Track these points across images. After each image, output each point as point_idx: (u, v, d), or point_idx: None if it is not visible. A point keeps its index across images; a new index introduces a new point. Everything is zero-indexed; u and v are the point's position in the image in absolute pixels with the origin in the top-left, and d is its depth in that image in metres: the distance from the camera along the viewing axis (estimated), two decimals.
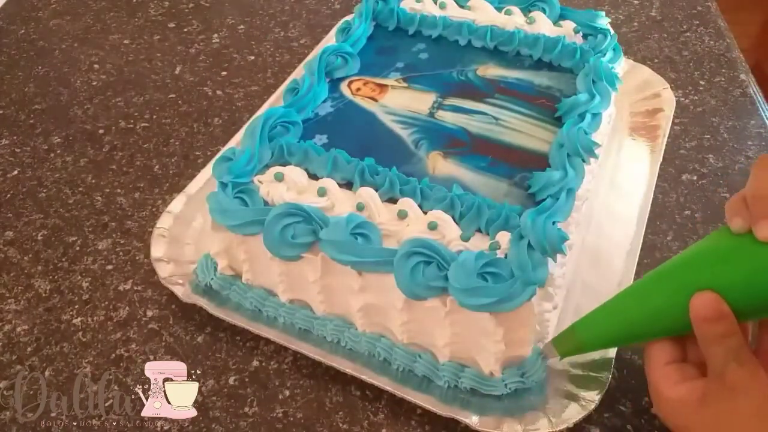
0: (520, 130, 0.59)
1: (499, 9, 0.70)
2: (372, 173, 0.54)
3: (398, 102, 0.63)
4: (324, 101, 0.63)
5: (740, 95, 0.79)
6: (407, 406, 0.51)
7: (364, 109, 0.62)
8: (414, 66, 0.66)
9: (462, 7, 0.72)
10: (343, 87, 0.64)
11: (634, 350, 0.54)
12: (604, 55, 0.63)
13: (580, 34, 0.67)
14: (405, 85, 0.64)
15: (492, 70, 0.66)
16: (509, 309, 0.46)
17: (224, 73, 0.83)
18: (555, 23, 0.68)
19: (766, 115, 0.76)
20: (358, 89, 0.64)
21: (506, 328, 0.47)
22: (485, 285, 0.45)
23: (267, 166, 0.55)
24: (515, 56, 0.67)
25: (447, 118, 0.61)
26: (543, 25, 0.68)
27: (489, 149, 0.57)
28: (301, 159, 0.56)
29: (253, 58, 0.84)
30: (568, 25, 0.68)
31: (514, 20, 0.69)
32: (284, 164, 0.56)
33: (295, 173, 0.54)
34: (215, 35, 0.89)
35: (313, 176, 0.55)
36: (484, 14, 0.70)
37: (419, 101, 0.62)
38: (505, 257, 0.47)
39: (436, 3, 0.72)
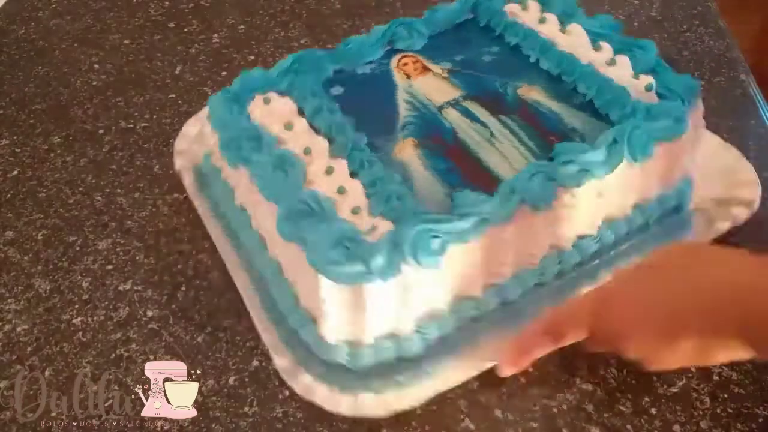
0: (505, 155, 0.57)
1: (593, 41, 0.64)
2: (338, 129, 0.58)
3: (424, 87, 0.63)
4: (369, 62, 0.66)
5: (740, 95, 0.78)
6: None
7: (392, 81, 0.64)
8: (469, 63, 0.66)
9: (562, 27, 0.66)
10: (396, 57, 0.66)
11: None
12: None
13: (654, 92, 0.60)
14: (445, 75, 0.65)
15: (533, 93, 0.62)
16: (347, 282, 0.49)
17: (224, 73, 0.83)
18: (636, 75, 0.61)
19: (766, 115, 0.76)
20: (405, 64, 0.66)
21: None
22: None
23: (267, 90, 0.62)
24: (571, 89, 0.62)
25: (450, 116, 0.61)
26: (623, 70, 0.61)
27: (459, 157, 0.57)
28: (299, 95, 0.61)
29: (253, 58, 0.84)
30: (647, 79, 0.60)
31: (597, 57, 0.63)
32: (283, 94, 0.62)
33: (284, 103, 0.60)
34: (215, 35, 0.89)
35: (302, 112, 0.60)
36: (572, 41, 0.65)
37: (441, 93, 0.63)
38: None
39: (539, 17, 0.68)
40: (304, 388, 0.51)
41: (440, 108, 0.61)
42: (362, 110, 0.60)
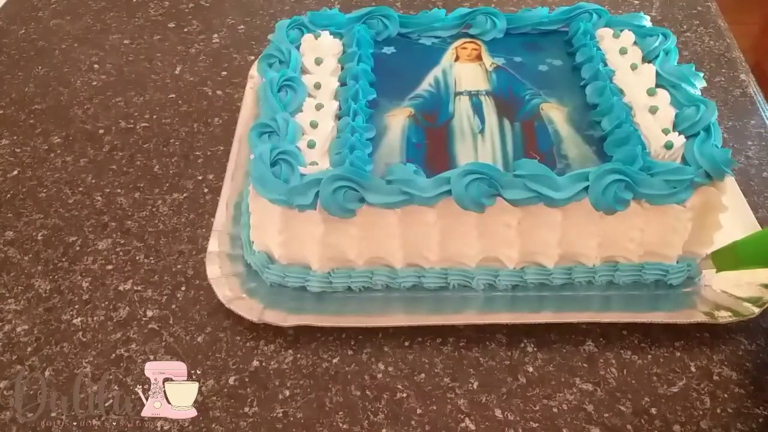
0: (478, 152, 0.57)
1: (658, 85, 0.60)
2: (353, 77, 0.61)
3: (461, 73, 0.65)
4: (437, 36, 0.69)
5: (740, 95, 0.79)
6: (407, 406, 0.51)
7: (438, 58, 0.67)
8: (521, 66, 0.65)
9: (635, 64, 0.62)
10: (462, 40, 0.69)
11: (633, 350, 0.54)
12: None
13: (678, 133, 0.55)
14: (490, 69, 0.66)
15: (553, 112, 0.61)
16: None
17: (224, 73, 0.83)
18: (672, 130, 0.56)
19: (766, 115, 0.76)
20: (464, 48, 0.68)
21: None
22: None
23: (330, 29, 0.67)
24: (594, 122, 0.59)
25: (459, 103, 0.62)
26: (660, 122, 0.56)
27: (435, 138, 0.58)
28: (348, 41, 0.66)
29: (253, 57, 0.84)
30: (676, 139, 0.55)
31: (644, 102, 0.58)
32: (337, 36, 0.67)
33: (331, 42, 0.66)
34: (215, 35, 0.89)
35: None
36: (632, 80, 0.61)
37: (470, 82, 0.64)
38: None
39: (621, 48, 0.65)
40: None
41: (457, 94, 0.63)
42: (393, 72, 0.65)
